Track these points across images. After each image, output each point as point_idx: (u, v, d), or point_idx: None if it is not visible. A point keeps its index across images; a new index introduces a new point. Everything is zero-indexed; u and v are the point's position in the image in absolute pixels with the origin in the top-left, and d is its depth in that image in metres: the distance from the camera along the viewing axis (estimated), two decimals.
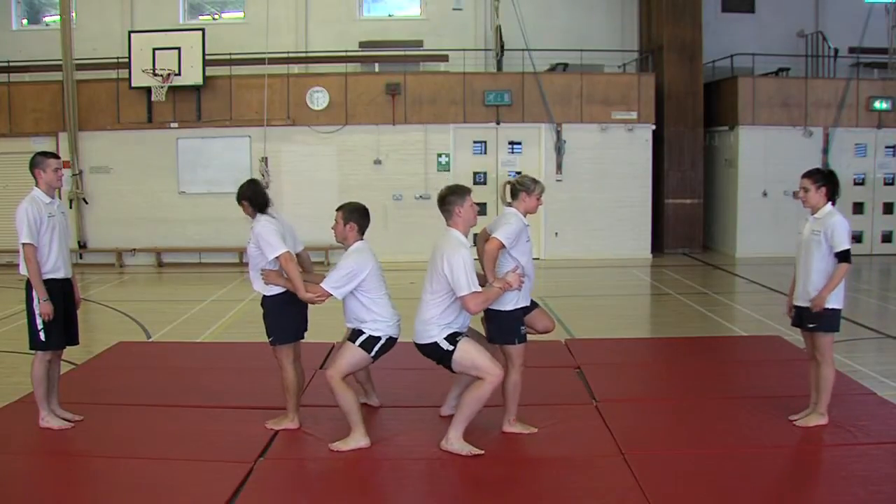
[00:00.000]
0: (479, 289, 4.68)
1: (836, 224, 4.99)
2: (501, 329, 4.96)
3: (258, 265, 5.03)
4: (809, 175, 5.19)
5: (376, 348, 4.85)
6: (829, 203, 5.12)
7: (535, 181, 5.13)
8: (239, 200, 5.13)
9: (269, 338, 5.10)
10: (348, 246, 4.94)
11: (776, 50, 15.75)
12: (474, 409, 4.72)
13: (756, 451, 4.79)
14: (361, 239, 4.97)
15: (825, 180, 5.14)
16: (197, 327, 8.79)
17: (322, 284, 4.80)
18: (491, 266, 4.85)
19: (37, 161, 5.30)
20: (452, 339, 4.73)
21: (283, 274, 4.94)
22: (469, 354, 4.69)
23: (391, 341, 4.91)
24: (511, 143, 14.74)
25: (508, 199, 5.13)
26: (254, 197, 5.10)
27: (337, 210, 5.02)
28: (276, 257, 4.90)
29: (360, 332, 4.85)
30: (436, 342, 4.72)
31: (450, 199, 4.83)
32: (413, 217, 13.98)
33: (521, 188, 5.07)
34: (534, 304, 5.21)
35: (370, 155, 14.45)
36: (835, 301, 5.04)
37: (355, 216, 4.95)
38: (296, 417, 5.19)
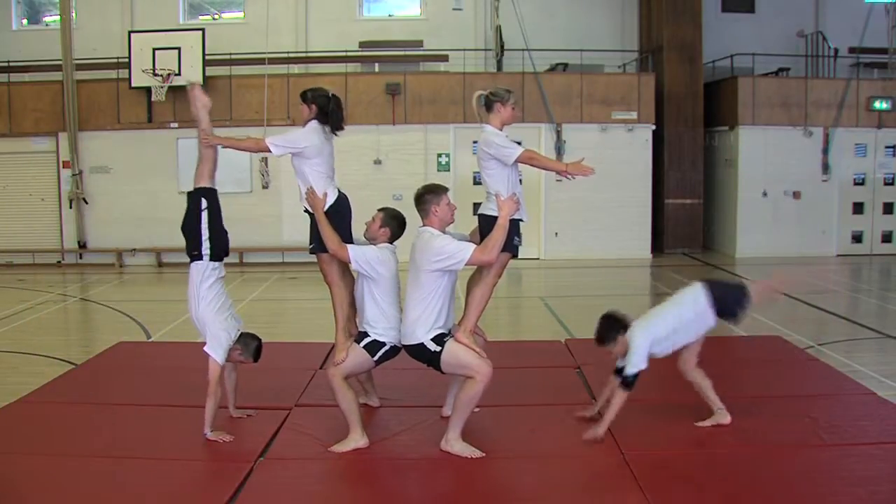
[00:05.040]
0: (474, 245, 4.71)
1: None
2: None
3: (305, 179, 5.01)
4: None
5: (380, 353, 4.87)
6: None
7: (508, 90, 5.06)
8: (306, 100, 5.05)
9: (310, 245, 5.09)
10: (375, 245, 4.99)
11: (776, 50, 15.74)
12: (469, 408, 4.72)
13: (756, 451, 4.79)
14: (389, 244, 5.02)
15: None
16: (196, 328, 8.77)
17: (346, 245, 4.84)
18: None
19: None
20: (439, 339, 4.72)
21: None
22: (456, 354, 4.68)
23: (395, 350, 4.93)
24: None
25: (482, 115, 5.06)
26: (329, 109, 5.03)
27: (378, 210, 5.09)
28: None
29: (366, 335, 4.87)
30: (422, 343, 4.71)
31: (426, 197, 4.85)
32: (413, 217, 13.89)
33: (496, 98, 5.01)
34: None
35: (370, 155, 14.47)
36: None
37: (393, 224, 5.02)
38: (353, 327, 5.12)
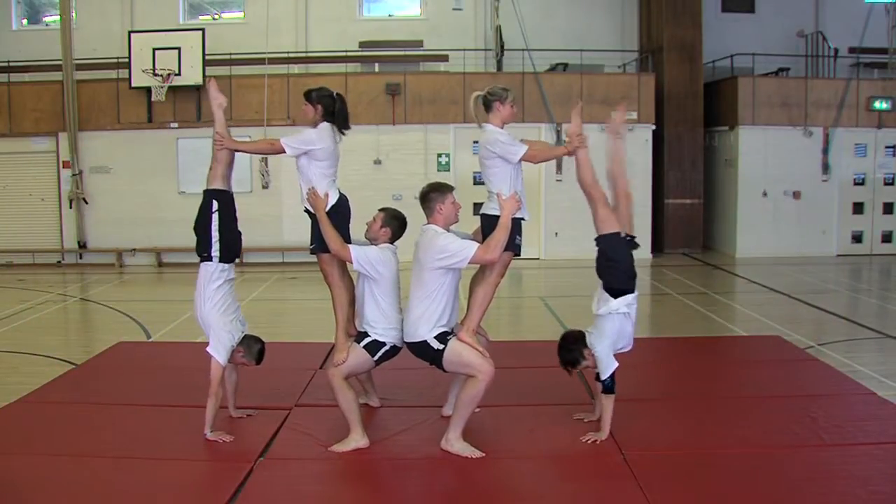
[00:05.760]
0: (477, 243, 4.72)
1: None
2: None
3: (309, 179, 5.00)
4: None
5: (380, 353, 4.87)
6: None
7: (505, 89, 5.06)
8: (311, 101, 5.04)
9: (310, 245, 5.07)
10: (376, 245, 4.99)
11: (776, 50, 15.74)
12: (470, 408, 4.72)
13: (756, 451, 4.79)
14: (390, 244, 5.02)
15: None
16: (197, 327, 8.74)
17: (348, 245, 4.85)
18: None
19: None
20: (442, 338, 4.72)
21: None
22: (459, 353, 4.68)
23: (395, 350, 4.93)
24: None
25: (480, 116, 5.07)
26: (336, 109, 5.02)
27: (379, 210, 5.09)
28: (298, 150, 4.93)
29: (366, 335, 4.87)
30: (425, 341, 4.72)
31: (431, 195, 4.86)
32: (413, 217, 13.90)
33: (494, 97, 5.03)
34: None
35: (370, 155, 14.47)
36: None
37: (394, 224, 5.02)
38: (352, 328, 5.14)
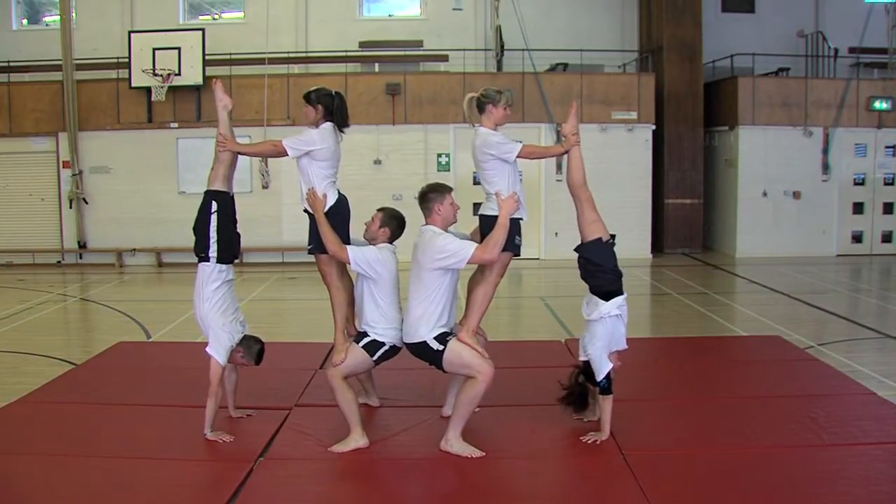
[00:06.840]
0: (475, 243, 4.73)
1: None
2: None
3: (308, 180, 4.99)
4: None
5: (379, 353, 4.87)
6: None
7: (499, 91, 5.06)
8: (310, 102, 5.03)
9: (308, 245, 5.07)
10: (375, 245, 4.99)
11: (776, 50, 15.74)
12: (470, 408, 4.72)
13: (756, 451, 4.79)
14: (389, 244, 5.01)
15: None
16: (197, 327, 8.73)
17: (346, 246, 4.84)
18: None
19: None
20: (442, 338, 4.72)
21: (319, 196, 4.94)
22: (458, 353, 4.68)
23: (394, 349, 4.93)
24: None
25: (474, 117, 5.09)
26: (335, 108, 5.02)
27: (378, 210, 5.09)
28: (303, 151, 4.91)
29: (366, 335, 4.87)
30: (425, 341, 4.72)
31: (430, 196, 4.87)
32: (413, 217, 13.87)
33: (487, 100, 5.03)
34: None
35: (370, 155, 14.47)
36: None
37: (393, 224, 5.02)
38: (351, 328, 5.14)
